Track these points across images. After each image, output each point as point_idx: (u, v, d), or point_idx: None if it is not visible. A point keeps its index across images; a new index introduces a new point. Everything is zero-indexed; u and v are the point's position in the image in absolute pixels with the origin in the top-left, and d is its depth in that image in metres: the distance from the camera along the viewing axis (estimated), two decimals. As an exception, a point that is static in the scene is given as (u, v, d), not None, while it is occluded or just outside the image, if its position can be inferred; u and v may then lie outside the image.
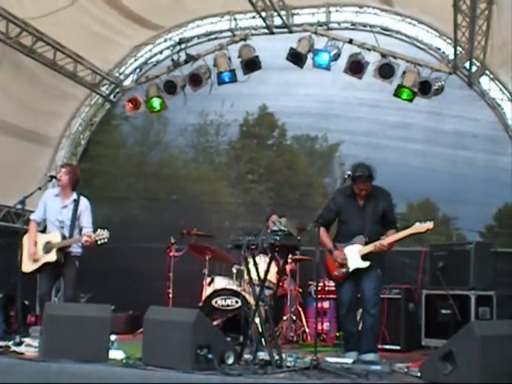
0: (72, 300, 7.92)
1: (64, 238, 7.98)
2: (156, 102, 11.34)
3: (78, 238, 7.98)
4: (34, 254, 8.02)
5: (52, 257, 7.92)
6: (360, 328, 7.59)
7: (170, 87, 11.19)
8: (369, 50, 10.45)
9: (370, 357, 7.26)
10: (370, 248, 7.40)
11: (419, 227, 7.33)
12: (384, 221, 7.63)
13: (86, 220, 8.13)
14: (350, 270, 7.43)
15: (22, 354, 6.58)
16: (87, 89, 12.14)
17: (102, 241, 7.78)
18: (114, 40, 11.41)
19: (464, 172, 11.34)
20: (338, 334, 9.55)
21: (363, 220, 7.55)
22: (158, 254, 10.78)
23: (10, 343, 6.97)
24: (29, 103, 11.01)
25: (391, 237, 7.43)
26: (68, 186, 8.19)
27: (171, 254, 10.27)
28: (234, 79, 10.89)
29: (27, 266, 8.04)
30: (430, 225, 7.29)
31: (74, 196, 8.20)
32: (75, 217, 8.10)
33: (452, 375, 5.35)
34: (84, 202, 8.22)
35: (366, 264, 7.40)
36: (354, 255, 7.44)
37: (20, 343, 7.01)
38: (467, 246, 9.00)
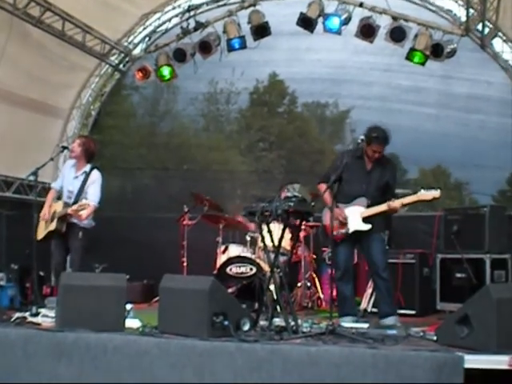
0: (79, 271, 7.89)
1: (65, 207, 7.94)
2: (166, 71, 11.28)
3: (66, 209, 7.84)
4: (44, 215, 8.10)
5: (52, 225, 7.97)
6: (375, 293, 7.63)
7: (180, 55, 11.10)
8: (380, 13, 10.33)
9: (390, 320, 7.28)
10: (374, 210, 7.35)
11: (424, 194, 7.24)
12: (385, 190, 7.52)
13: (91, 192, 8.02)
14: (350, 231, 7.38)
15: (38, 324, 6.60)
16: (96, 59, 12.09)
17: (83, 211, 7.67)
18: (122, 8, 11.31)
19: (477, 136, 11.29)
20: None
21: (368, 183, 7.49)
22: (170, 223, 10.81)
23: (27, 314, 6.97)
24: (38, 74, 10.97)
25: (400, 200, 7.32)
26: (82, 157, 8.16)
27: (185, 222, 10.27)
28: (243, 46, 10.80)
29: (39, 234, 8.13)
30: (436, 193, 7.20)
31: (87, 168, 8.17)
32: (82, 188, 8.05)
33: (468, 338, 5.36)
34: (94, 175, 8.14)
35: (368, 226, 7.35)
36: (355, 216, 7.38)
37: (36, 314, 7.00)
38: (482, 210, 8.94)
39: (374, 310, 8.41)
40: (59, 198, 8.52)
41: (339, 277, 7.51)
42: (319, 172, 12.37)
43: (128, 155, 13.54)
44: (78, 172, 8.19)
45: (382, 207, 7.34)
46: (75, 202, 7.93)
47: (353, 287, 7.68)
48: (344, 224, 7.39)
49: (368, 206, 7.42)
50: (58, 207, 8.04)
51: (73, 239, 8.06)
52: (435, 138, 11.43)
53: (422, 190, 7.28)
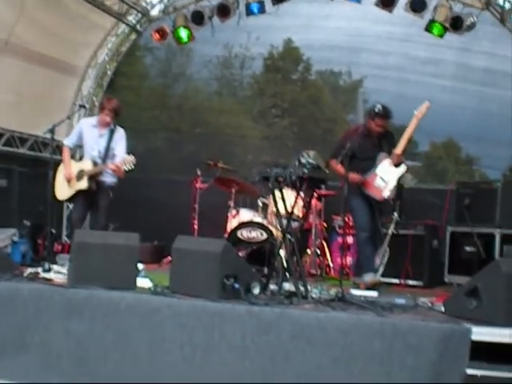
0: (104, 229, 8.03)
1: (95, 165, 8.03)
2: (183, 33, 11.15)
3: (106, 165, 7.96)
4: (69, 174, 8.12)
5: (83, 184, 8.01)
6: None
7: (198, 18, 11.00)
8: (400, -18, 10.23)
9: (369, 276, 7.72)
10: (399, 148, 7.72)
11: (419, 112, 7.63)
12: None
13: (119, 149, 8.11)
14: (395, 181, 7.78)
15: (50, 280, 6.66)
16: (114, 18, 12.00)
17: (129, 166, 7.68)
18: (141, -32, 11.25)
19: (492, 110, 11.22)
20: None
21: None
22: (181, 185, 10.86)
23: (39, 270, 7.05)
24: (55, 32, 10.91)
25: (401, 140, 7.76)
26: (112, 121, 8.22)
27: (197, 185, 10.29)
28: (262, 10, 10.67)
29: (61, 194, 8.20)
30: (426, 103, 7.64)
31: (111, 125, 8.21)
32: (109, 146, 8.11)
33: (476, 311, 5.41)
34: (120, 132, 8.24)
35: (404, 167, 7.79)
36: (388, 169, 7.76)
37: (49, 270, 7.09)
38: (494, 184, 8.97)
39: (382, 280, 8.49)
40: (72, 156, 8.60)
41: (367, 237, 7.90)
42: (331, 140, 12.44)
43: (141, 116, 13.52)
44: (102, 130, 8.20)
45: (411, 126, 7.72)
46: (104, 159, 8.01)
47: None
48: (384, 186, 7.72)
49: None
50: (86, 166, 8.07)
51: (103, 198, 8.16)
52: (450, 111, 11.35)
53: (414, 111, 7.67)
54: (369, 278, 7.65)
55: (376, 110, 7.79)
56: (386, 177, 7.73)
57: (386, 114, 7.81)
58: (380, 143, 7.90)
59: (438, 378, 5.04)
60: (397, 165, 7.76)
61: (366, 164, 7.76)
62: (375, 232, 7.99)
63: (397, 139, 7.87)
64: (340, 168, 7.72)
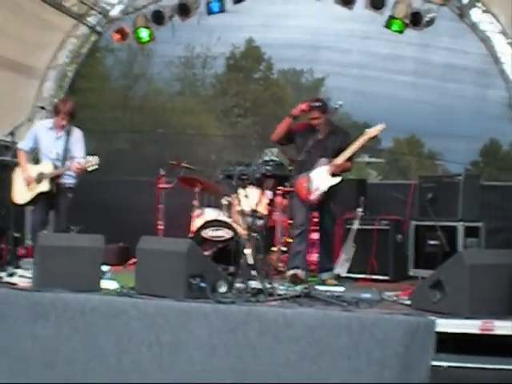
0: (65, 231, 7.98)
1: (56, 168, 7.97)
2: (144, 33, 11.04)
3: (69, 167, 7.93)
4: (29, 177, 8.03)
5: (45, 186, 7.95)
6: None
7: (158, 17, 10.93)
8: (359, -20, 10.28)
9: (326, 275, 7.99)
10: (340, 159, 7.77)
11: (370, 132, 7.75)
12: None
13: (78, 150, 8.09)
14: (325, 188, 7.74)
15: (15, 284, 6.59)
16: (73, 19, 11.87)
17: (93, 167, 7.69)
18: (100, -32, 11.14)
19: (452, 105, 11.37)
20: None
21: (323, 151, 7.86)
22: (144, 186, 10.78)
23: (3, 274, 6.98)
24: (13, 33, 10.75)
25: (345, 152, 7.80)
26: (68, 123, 8.18)
27: (161, 185, 10.24)
28: (222, 9, 10.63)
29: (20, 197, 8.10)
30: (381, 126, 7.73)
31: (67, 127, 8.17)
32: (67, 147, 8.08)
33: (441, 303, 5.47)
34: (76, 133, 8.22)
35: (338, 179, 7.81)
36: (323, 175, 7.76)
37: (13, 274, 7.03)
38: (456, 178, 9.04)
39: (348, 275, 8.54)
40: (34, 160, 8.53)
41: (300, 233, 8.00)
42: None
43: (103, 118, 13.45)
44: (59, 132, 8.18)
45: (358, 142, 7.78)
46: (63, 161, 7.97)
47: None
48: (313, 190, 7.64)
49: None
50: (46, 168, 8.02)
51: (62, 199, 8.12)
52: (411, 107, 11.49)
53: (367, 130, 7.80)
54: (290, 272, 7.80)
55: (311, 104, 7.89)
56: (317, 183, 7.70)
57: (314, 105, 7.86)
58: (326, 139, 7.92)
59: (404, 370, 5.09)
60: (333, 175, 7.80)
61: (308, 158, 7.66)
62: (325, 233, 8.03)
63: (353, 138, 7.91)
64: (280, 126, 8.08)
